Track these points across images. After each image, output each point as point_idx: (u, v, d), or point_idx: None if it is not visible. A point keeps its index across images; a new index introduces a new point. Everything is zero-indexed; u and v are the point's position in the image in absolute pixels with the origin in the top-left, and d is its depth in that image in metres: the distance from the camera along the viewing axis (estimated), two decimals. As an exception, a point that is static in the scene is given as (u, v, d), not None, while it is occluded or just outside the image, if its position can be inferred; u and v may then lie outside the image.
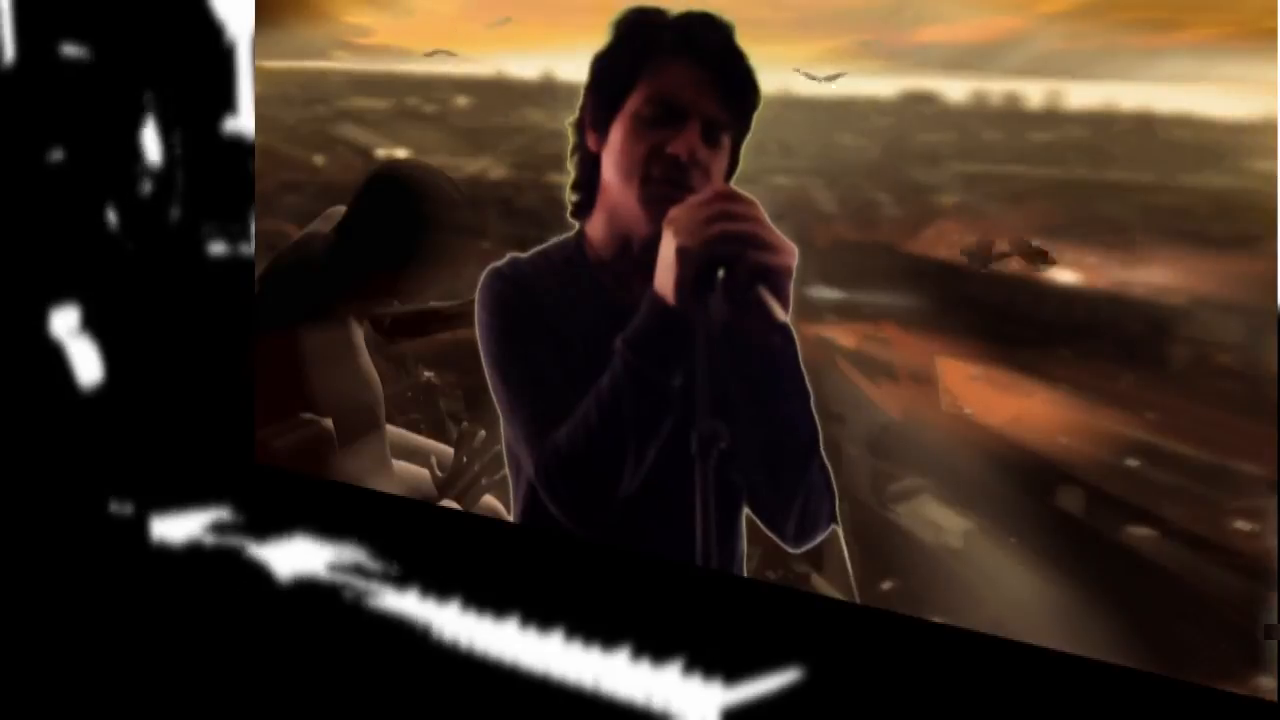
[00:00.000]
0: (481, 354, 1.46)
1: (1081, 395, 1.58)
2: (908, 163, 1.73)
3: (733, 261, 1.26)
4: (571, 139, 1.48)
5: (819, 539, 1.43)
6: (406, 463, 1.93)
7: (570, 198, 1.48)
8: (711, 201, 1.28)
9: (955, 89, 1.70)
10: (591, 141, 1.44)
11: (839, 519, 1.44)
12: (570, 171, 1.48)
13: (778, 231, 1.27)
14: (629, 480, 1.34)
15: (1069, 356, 1.59)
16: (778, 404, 1.35)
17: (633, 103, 1.40)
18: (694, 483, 1.22)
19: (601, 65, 1.45)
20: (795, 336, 1.41)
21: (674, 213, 1.29)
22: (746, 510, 1.47)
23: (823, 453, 1.39)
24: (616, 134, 1.41)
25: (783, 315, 1.24)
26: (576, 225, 1.49)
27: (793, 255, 1.26)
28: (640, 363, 1.30)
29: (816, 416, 1.38)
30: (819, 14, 1.76)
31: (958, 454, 1.64)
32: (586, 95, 1.45)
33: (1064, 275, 1.60)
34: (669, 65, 1.40)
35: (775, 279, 1.25)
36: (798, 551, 1.44)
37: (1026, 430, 1.62)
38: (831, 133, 1.78)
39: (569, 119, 1.48)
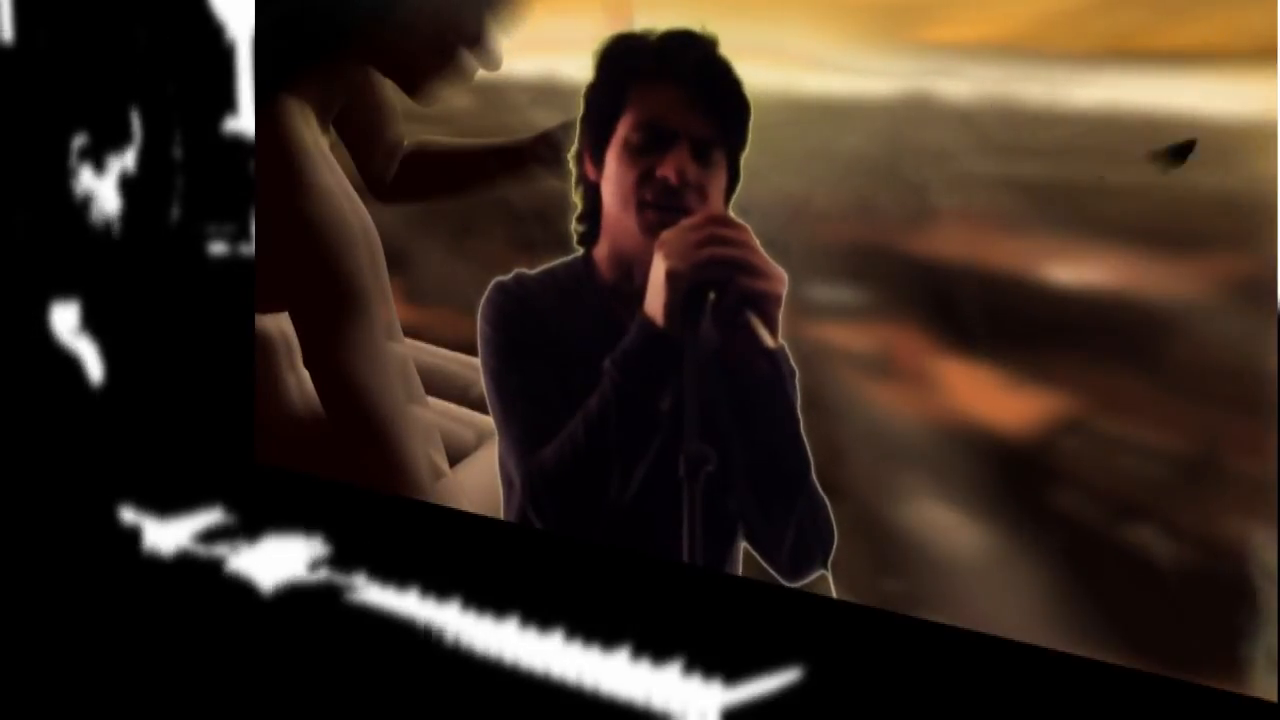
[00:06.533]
0: (480, 367, 1.47)
1: (1081, 395, 1.58)
2: (908, 163, 1.73)
3: (722, 286, 1.27)
4: (574, 172, 1.49)
5: (812, 577, 1.43)
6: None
7: (576, 228, 1.49)
8: (702, 225, 1.29)
9: (955, 89, 1.70)
10: (590, 172, 1.46)
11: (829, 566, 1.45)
12: (576, 204, 1.49)
13: (768, 258, 1.28)
14: (614, 500, 1.35)
15: (1069, 356, 1.60)
16: (765, 429, 1.36)
17: (622, 129, 1.42)
18: (681, 505, 1.24)
19: (590, 96, 1.47)
20: (789, 359, 1.41)
21: (665, 235, 1.31)
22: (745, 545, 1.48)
23: (822, 492, 1.39)
24: (610, 162, 1.43)
25: (771, 341, 1.26)
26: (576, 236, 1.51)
27: (782, 282, 1.28)
28: (627, 383, 1.31)
29: (808, 445, 1.38)
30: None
31: (958, 454, 1.64)
32: (581, 126, 1.47)
33: (1064, 275, 1.60)
34: (652, 89, 1.41)
35: (764, 305, 1.27)
36: (793, 586, 1.45)
37: (1026, 430, 1.62)
38: (831, 133, 1.77)
39: (570, 151, 1.50)
